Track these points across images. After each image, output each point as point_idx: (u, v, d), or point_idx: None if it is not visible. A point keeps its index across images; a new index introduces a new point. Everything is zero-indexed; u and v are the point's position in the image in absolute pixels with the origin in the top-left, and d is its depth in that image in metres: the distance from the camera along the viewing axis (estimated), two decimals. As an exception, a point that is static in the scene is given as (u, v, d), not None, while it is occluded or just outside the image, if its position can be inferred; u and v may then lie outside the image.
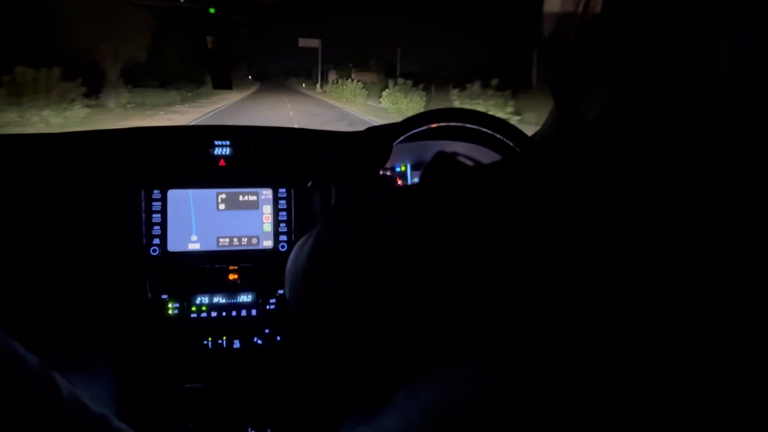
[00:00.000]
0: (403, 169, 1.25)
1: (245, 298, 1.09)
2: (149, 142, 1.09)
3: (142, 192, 1.05)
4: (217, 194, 1.08)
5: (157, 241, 1.05)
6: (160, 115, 16.09)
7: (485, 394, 0.28)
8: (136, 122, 12.45)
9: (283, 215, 1.11)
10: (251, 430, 1.05)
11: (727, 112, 0.30)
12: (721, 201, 0.28)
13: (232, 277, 1.09)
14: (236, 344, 1.08)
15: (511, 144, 1.10)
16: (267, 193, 1.11)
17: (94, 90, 15.23)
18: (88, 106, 13.98)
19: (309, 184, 1.11)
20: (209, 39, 0.97)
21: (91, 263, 1.03)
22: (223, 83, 1.02)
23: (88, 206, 1.02)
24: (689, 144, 0.31)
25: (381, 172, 1.20)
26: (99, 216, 1.03)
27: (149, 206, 1.05)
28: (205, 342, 1.06)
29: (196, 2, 0.90)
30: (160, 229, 1.05)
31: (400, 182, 1.25)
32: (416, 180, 1.25)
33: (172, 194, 1.06)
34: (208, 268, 1.07)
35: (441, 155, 0.52)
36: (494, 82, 19.00)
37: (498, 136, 1.10)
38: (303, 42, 55.33)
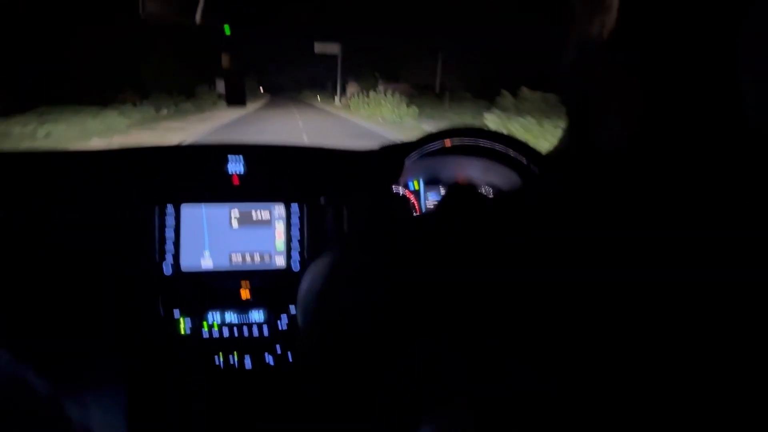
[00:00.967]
0: (416, 186, 1.24)
1: (257, 316, 1.08)
2: (163, 160, 1.10)
3: (156, 208, 1.05)
4: (230, 211, 1.09)
5: (170, 256, 1.05)
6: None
7: None
8: None
9: (295, 232, 1.11)
10: None
11: (751, 137, 0.30)
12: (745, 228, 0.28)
13: (244, 294, 1.08)
14: (247, 363, 1.07)
15: (525, 162, 1.08)
16: (280, 210, 1.11)
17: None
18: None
19: (322, 201, 1.11)
20: (225, 57, 0.98)
21: (105, 279, 1.04)
22: (237, 99, 1.03)
23: (102, 223, 1.03)
24: (715, 171, 0.30)
25: (394, 189, 1.19)
26: (113, 232, 1.04)
27: (162, 222, 1.05)
28: (217, 361, 1.06)
29: (212, 20, 0.91)
30: (174, 245, 1.05)
31: (413, 198, 1.24)
32: (430, 197, 1.24)
33: (186, 210, 1.07)
34: (221, 285, 1.07)
35: (458, 188, 0.51)
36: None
37: (512, 153, 1.09)
38: (320, 47, 44.29)
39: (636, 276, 0.29)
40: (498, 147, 1.09)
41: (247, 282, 1.08)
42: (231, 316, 1.07)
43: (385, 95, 23.78)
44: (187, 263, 1.06)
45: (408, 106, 21.14)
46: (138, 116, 15.01)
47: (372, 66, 45.10)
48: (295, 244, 1.10)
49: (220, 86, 1.06)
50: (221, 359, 1.06)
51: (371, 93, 26.69)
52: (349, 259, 0.46)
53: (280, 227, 1.10)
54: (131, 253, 1.04)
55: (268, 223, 1.10)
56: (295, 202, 1.11)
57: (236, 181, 1.09)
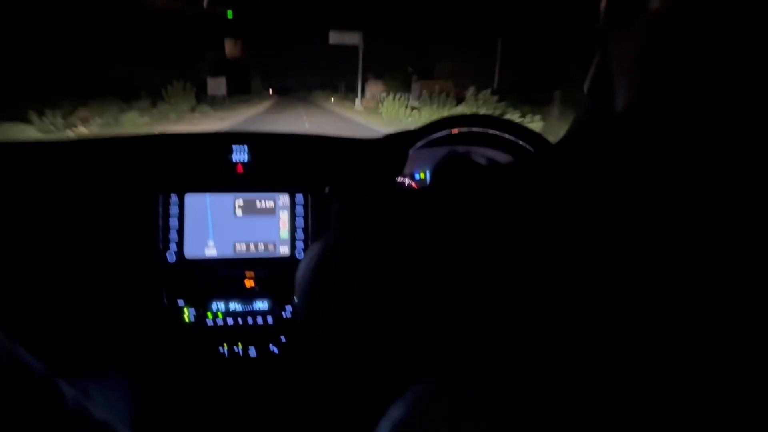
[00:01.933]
0: (422, 176, 1.23)
1: (261, 305, 1.08)
2: (167, 148, 1.10)
3: (160, 196, 1.05)
4: (235, 200, 1.08)
5: (174, 245, 1.05)
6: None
7: None
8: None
9: (300, 222, 1.10)
10: None
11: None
12: (742, 202, 0.28)
13: (248, 283, 1.08)
14: (252, 352, 1.06)
15: (533, 150, 1.07)
16: (284, 199, 1.10)
17: None
18: None
19: (326, 190, 1.10)
20: (228, 44, 0.98)
21: (109, 268, 1.04)
22: (241, 89, 1.02)
23: (106, 211, 1.03)
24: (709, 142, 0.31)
25: (399, 179, 1.18)
26: (117, 221, 1.04)
27: (166, 210, 1.05)
28: (221, 350, 1.06)
29: (219, 6, 0.90)
30: (177, 233, 1.05)
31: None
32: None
33: (190, 199, 1.06)
34: (225, 274, 1.07)
35: (452, 155, 0.50)
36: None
37: (520, 142, 1.07)
38: (335, 37, 31.62)
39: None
40: (507, 136, 1.08)
41: (252, 271, 1.08)
42: (235, 305, 1.07)
43: (434, 97, 17.66)
44: (191, 252, 1.06)
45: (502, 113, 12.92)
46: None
47: (400, 60, 36.30)
48: (300, 234, 1.10)
49: (213, 86, 1.04)
50: (226, 348, 1.06)
51: (423, 93, 20.10)
52: (341, 244, 0.45)
53: (284, 216, 1.10)
54: (135, 242, 1.04)
55: (273, 212, 1.10)
56: (299, 192, 1.10)
57: (240, 170, 1.09)
